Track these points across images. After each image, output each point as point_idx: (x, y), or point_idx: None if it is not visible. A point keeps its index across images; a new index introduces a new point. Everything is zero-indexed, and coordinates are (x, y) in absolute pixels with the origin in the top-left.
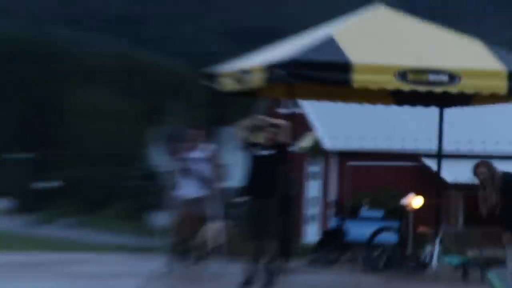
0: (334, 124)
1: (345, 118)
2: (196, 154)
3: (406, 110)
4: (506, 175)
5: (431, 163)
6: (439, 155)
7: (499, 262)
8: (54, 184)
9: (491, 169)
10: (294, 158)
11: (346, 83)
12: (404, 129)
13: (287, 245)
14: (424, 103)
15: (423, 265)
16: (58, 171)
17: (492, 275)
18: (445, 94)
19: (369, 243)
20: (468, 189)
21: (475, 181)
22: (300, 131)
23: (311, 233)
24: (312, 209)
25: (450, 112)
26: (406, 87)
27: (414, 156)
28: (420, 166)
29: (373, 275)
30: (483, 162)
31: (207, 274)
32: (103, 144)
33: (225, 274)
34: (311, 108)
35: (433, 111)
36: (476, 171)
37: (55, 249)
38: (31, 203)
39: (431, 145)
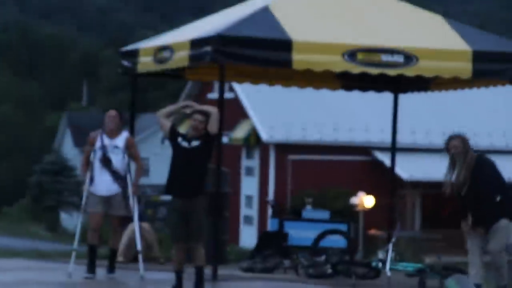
0: (272, 112)
1: (284, 105)
2: (116, 142)
3: (355, 96)
4: (480, 157)
5: (384, 157)
6: (393, 148)
7: (460, 270)
8: None
9: (466, 145)
10: (225, 151)
11: (286, 64)
12: (353, 118)
13: (218, 249)
14: (376, 88)
15: (375, 273)
16: None
17: (451, 282)
18: (400, 77)
19: (313, 248)
20: (427, 187)
21: (435, 177)
22: (233, 119)
23: (247, 236)
24: (248, 210)
25: (406, 99)
26: (355, 69)
27: (364, 149)
28: (371, 160)
29: (318, 283)
30: (458, 135)
31: (130, 281)
32: (1, 134)
33: (149, 281)
34: (245, 93)
35: (387, 97)
36: (448, 144)
37: None
38: None
39: (384, 137)
